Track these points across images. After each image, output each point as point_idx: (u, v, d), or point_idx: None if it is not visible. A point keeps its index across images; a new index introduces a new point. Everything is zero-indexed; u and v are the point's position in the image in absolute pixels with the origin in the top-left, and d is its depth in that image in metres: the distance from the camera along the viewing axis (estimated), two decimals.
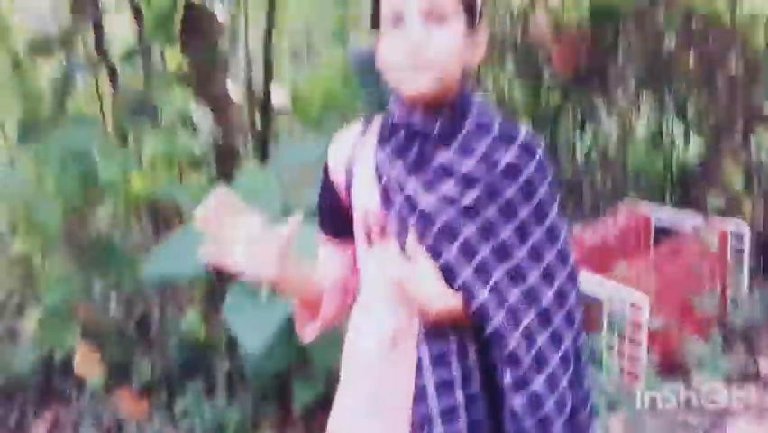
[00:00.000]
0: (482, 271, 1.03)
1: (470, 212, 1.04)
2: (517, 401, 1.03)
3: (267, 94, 3.54)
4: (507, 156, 1.06)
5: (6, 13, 2.85)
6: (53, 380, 2.77)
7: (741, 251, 3.08)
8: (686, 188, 4.27)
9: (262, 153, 3.53)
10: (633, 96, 4.28)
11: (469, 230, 1.04)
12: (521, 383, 1.03)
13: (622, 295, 2.66)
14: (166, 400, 2.57)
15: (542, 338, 1.05)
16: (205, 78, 2.91)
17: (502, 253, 1.04)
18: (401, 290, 1.06)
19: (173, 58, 2.56)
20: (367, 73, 2.89)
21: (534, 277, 1.06)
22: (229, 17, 2.75)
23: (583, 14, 4.05)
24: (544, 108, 4.57)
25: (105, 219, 2.85)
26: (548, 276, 1.07)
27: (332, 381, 2.35)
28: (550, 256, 1.07)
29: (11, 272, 2.88)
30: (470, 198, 1.04)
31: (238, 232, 1.00)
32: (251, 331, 1.93)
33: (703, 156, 4.08)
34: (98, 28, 2.99)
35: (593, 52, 4.07)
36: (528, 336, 1.04)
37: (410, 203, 1.05)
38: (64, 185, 2.35)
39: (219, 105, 3.02)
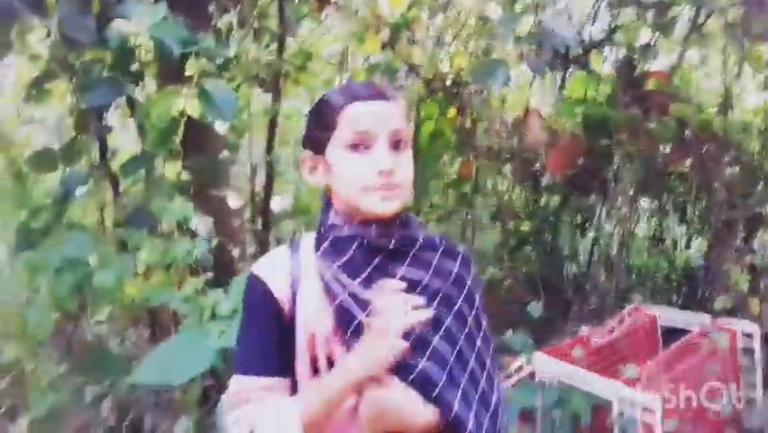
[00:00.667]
0: (453, 380, 1.05)
1: (434, 323, 1.06)
2: None
3: (267, 199, 3.62)
4: (455, 268, 1.13)
5: (11, 125, 2.96)
6: None
7: (752, 351, 2.99)
8: (691, 288, 4.23)
9: None
10: (631, 199, 4.33)
11: (436, 340, 1.05)
12: None
13: (633, 398, 2.56)
14: None
15: None
16: (204, 187, 2.97)
17: (462, 360, 1.08)
18: (386, 419, 1.01)
19: (173, 168, 2.62)
20: None
21: (483, 382, 1.10)
22: (228, 129, 2.82)
23: (577, 121, 4.19)
24: (544, 211, 4.62)
25: (100, 326, 2.82)
26: (490, 379, 1.12)
27: None
28: (488, 361, 1.13)
29: (2, 378, 2.82)
30: (432, 308, 1.06)
31: None
32: None
33: (706, 256, 4.08)
34: (102, 141, 3.09)
35: (589, 157, 4.16)
36: None
37: None
38: (58, 292, 2.34)
39: (218, 213, 3.06)
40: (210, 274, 2.46)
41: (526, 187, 4.61)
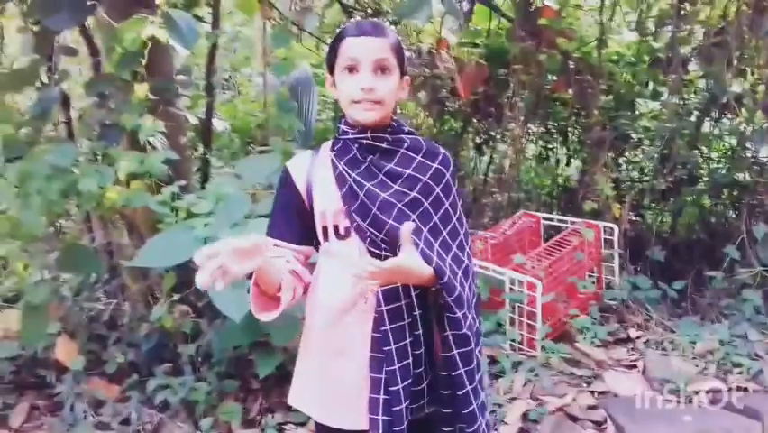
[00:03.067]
0: (426, 243, 1.48)
1: (414, 203, 1.51)
2: (462, 331, 1.47)
3: (209, 120, 4.00)
4: (434, 165, 1.55)
5: None
6: (29, 372, 3.08)
7: (612, 244, 3.79)
8: (569, 199, 5.04)
9: (204, 173, 3.96)
10: (522, 123, 5.01)
11: (414, 216, 1.49)
12: (464, 318, 1.48)
13: (519, 278, 3.28)
14: (138, 383, 2.93)
15: (466, 286, 1.54)
16: (163, 105, 3.33)
17: (436, 231, 1.53)
18: (402, 276, 1.40)
19: (140, 88, 2.95)
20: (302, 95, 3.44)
21: (455, 247, 1.55)
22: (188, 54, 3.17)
23: (481, 53, 4.77)
24: (448, 133, 5.24)
25: (78, 227, 3.19)
26: (461, 246, 1.57)
27: (287, 356, 2.83)
28: (461, 233, 1.59)
29: None
30: (413, 193, 1.50)
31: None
32: (233, 304, 2.36)
33: (581, 172, 4.87)
34: (54, 63, 3.35)
35: (488, 85, 4.78)
36: (462, 285, 1.50)
37: (372, 196, 1.48)
38: (48, 196, 2.71)
39: (172, 130, 3.44)
40: (183, 182, 2.89)
41: (433, 111, 5.19)
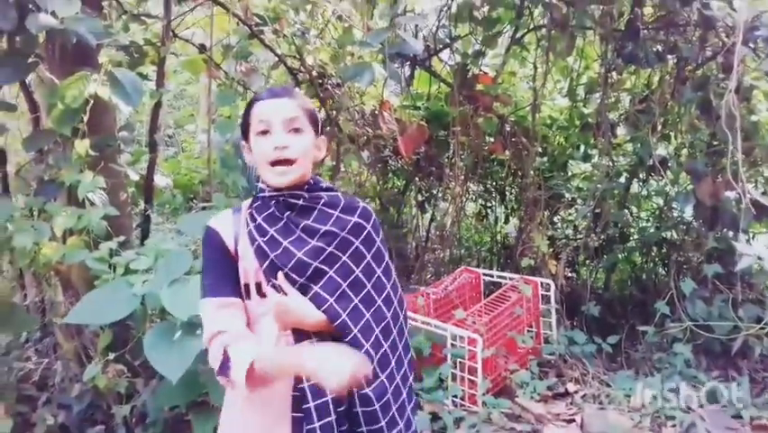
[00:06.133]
0: (342, 299, 1.51)
1: (331, 258, 1.53)
2: (370, 393, 1.49)
3: (151, 176, 3.98)
4: (353, 219, 1.58)
5: None
6: None
7: (549, 300, 3.90)
8: (507, 255, 5.17)
9: (145, 229, 3.91)
10: (462, 183, 5.16)
11: (332, 271, 1.52)
12: (373, 378, 1.49)
13: (460, 334, 3.33)
14: None
15: (386, 344, 1.55)
16: (104, 161, 3.31)
17: (357, 285, 1.55)
18: (288, 316, 1.48)
19: (81, 144, 2.92)
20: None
21: (380, 301, 1.57)
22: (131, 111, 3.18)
23: (422, 116, 4.93)
24: (392, 191, 5.35)
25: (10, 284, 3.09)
26: (387, 300, 1.60)
27: None
28: (389, 285, 1.61)
29: None
30: (330, 248, 1.52)
31: None
32: (170, 363, 2.32)
33: (518, 229, 5.02)
34: None
35: (429, 146, 4.93)
36: (376, 344, 1.53)
37: (287, 254, 1.51)
38: None
39: (112, 186, 3.41)
40: (122, 238, 2.86)
41: (377, 170, 5.30)
